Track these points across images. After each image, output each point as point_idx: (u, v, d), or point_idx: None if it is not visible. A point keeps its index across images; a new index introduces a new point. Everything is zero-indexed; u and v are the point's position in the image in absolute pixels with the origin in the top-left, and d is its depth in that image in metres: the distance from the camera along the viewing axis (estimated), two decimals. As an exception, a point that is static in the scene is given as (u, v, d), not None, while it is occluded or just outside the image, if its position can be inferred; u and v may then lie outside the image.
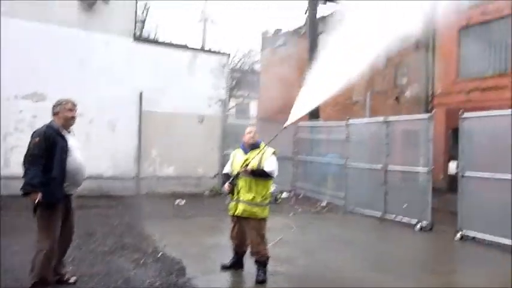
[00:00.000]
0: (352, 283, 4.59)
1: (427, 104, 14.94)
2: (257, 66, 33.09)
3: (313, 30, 13.65)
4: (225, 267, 4.69)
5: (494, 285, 4.82)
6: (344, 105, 20.50)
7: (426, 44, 14.82)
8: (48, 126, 3.97)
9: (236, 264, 4.71)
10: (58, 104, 4.09)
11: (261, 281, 4.35)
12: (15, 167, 9.14)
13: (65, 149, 3.93)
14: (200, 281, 4.28)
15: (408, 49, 16.75)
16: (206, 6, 23.92)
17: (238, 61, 31.95)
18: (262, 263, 4.43)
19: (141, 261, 4.82)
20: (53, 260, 3.88)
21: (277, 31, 27.31)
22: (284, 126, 4.87)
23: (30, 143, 3.88)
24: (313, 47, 13.62)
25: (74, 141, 4.09)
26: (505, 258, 5.97)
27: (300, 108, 5.21)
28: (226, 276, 4.59)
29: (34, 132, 3.95)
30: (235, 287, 4.51)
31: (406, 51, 16.90)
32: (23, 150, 9.36)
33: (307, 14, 13.90)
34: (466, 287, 4.80)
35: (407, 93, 17.02)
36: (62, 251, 4.03)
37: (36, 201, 3.75)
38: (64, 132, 4.01)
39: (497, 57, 13.95)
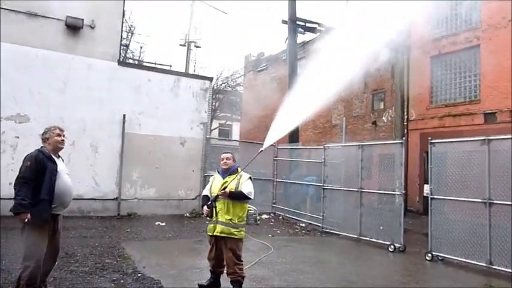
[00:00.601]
0: (324, 301, 4.82)
1: (402, 128, 15.51)
2: (240, 88, 33.61)
3: (292, 57, 14.17)
4: (202, 287, 4.86)
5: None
6: (324, 128, 21.09)
7: (400, 72, 15.50)
8: (39, 151, 4.19)
9: (213, 284, 4.88)
10: (47, 131, 4.34)
11: (236, 300, 4.54)
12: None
13: (54, 173, 4.15)
14: (177, 300, 4.45)
15: (384, 76, 17.52)
16: (190, 30, 24.29)
17: (222, 83, 32.37)
18: (237, 282, 4.63)
19: (121, 282, 4.95)
20: (38, 277, 4.01)
21: (260, 55, 28.02)
22: (260, 150, 5.18)
23: (22, 166, 4.08)
24: (292, 72, 14.12)
25: (63, 165, 4.32)
26: (470, 277, 6.31)
27: (275, 133, 5.54)
28: (204, 296, 4.76)
29: (26, 156, 4.16)
30: (212, 305, 4.67)
31: (382, 78, 17.68)
32: (5, 171, 9.44)
33: (287, 41, 14.43)
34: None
35: (384, 118, 17.67)
36: (47, 269, 4.17)
37: (26, 220, 3.91)
38: (54, 157, 4.21)
39: (468, 85, 14.72)
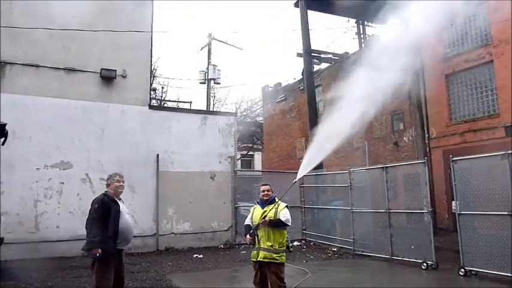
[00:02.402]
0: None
1: (424, 147, 15.71)
2: (259, 119, 34.38)
3: (310, 86, 14.80)
4: (250, 310, 5.28)
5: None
6: (345, 152, 21.37)
7: (417, 92, 15.86)
8: (104, 195, 4.87)
9: (260, 307, 5.29)
10: (109, 178, 5.03)
11: (282, 320, 4.94)
12: (45, 231, 9.97)
13: (117, 213, 4.78)
14: (229, 323, 4.88)
15: (402, 97, 17.90)
16: (209, 68, 25.39)
17: (241, 114, 33.22)
18: (283, 303, 5.04)
19: (175, 309, 5.43)
20: None
21: (277, 85, 28.80)
22: (294, 180, 5.68)
23: (91, 208, 4.74)
24: (311, 101, 14.72)
25: (124, 206, 4.94)
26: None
27: (307, 163, 6.05)
28: (253, 318, 5.18)
29: (94, 200, 4.81)
30: (261, 326, 5.06)
31: (400, 100, 18.05)
32: (52, 215, 10.22)
33: (304, 71, 15.12)
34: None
35: (405, 138, 17.94)
36: (116, 299, 4.71)
37: (97, 255, 4.51)
38: (116, 199, 4.83)
39: (485, 100, 14.98)
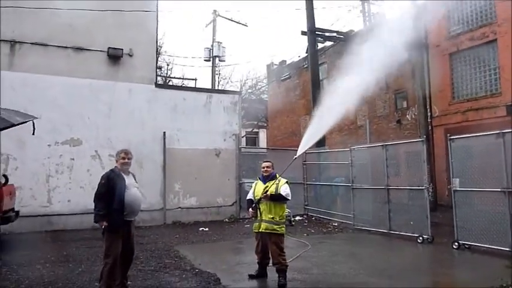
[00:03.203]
0: (355, 285, 5.55)
1: (426, 125, 15.90)
2: (264, 96, 34.49)
3: (314, 65, 14.91)
4: (252, 277, 5.72)
5: (483, 281, 5.63)
6: (349, 130, 21.61)
7: (421, 70, 15.94)
8: (111, 170, 5.16)
9: (261, 274, 5.73)
10: (117, 154, 5.31)
11: (282, 285, 5.37)
12: (57, 205, 10.43)
13: (123, 187, 5.05)
14: (233, 287, 5.29)
15: (405, 75, 17.97)
16: (214, 46, 25.43)
17: (246, 92, 33.31)
18: (282, 270, 5.45)
19: (183, 276, 5.86)
20: (116, 271, 4.92)
21: (282, 63, 28.80)
22: (294, 157, 5.99)
23: (98, 183, 5.03)
24: (315, 80, 14.83)
25: (132, 180, 5.23)
26: (494, 261, 6.84)
27: (307, 140, 6.33)
28: (254, 283, 5.62)
29: (102, 176, 5.10)
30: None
31: (403, 78, 18.13)
32: (63, 190, 10.65)
33: (308, 50, 15.20)
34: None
35: (408, 116, 18.11)
36: (125, 268, 5.11)
37: (103, 227, 4.86)
38: (124, 174, 5.14)
39: (488, 79, 15.06)
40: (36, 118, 3.64)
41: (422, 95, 15.70)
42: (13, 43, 10.63)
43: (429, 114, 16.37)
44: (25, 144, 10.19)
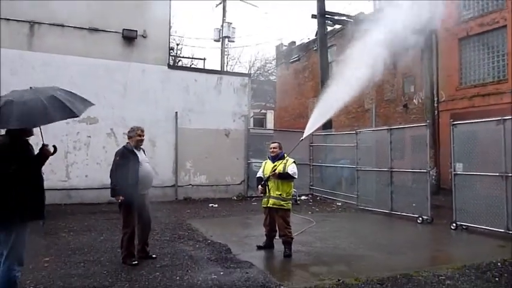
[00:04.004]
0: (354, 258, 6.01)
1: (433, 110, 16.10)
2: (272, 78, 34.63)
3: (323, 49, 15.12)
4: (260, 247, 6.24)
5: (475, 257, 6.03)
6: (356, 113, 21.87)
7: (430, 54, 16.04)
8: (124, 147, 5.57)
9: (268, 245, 6.24)
10: (131, 131, 5.66)
11: (287, 256, 5.88)
12: (75, 180, 10.98)
13: (136, 163, 5.44)
14: (243, 256, 5.79)
15: (414, 59, 18.07)
16: (223, 26, 25.52)
17: (254, 72, 33.45)
18: (288, 242, 5.95)
19: (197, 246, 6.39)
20: (134, 239, 5.42)
21: (291, 44, 28.84)
22: (301, 139, 6.38)
23: (113, 160, 5.45)
24: (323, 62, 15.06)
25: (143, 155, 5.65)
26: (488, 241, 7.25)
27: (313, 122, 6.69)
28: (262, 253, 6.12)
29: (116, 152, 5.52)
30: (269, 257, 6.02)
31: (412, 62, 18.23)
32: (81, 166, 11.17)
33: (317, 33, 15.38)
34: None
35: (415, 101, 18.31)
36: (145, 235, 5.62)
37: (120, 200, 5.32)
38: (136, 150, 5.55)
39: (496, 65, 15.18)
40: (93, 105, 3.96)
41: (429, 80, 15.84)
42: (32, 24, 11.02)
43: (436, 99, 16.55)
44: (45, 121, 10.66)
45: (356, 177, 11.51)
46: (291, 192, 6.07)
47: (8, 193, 3.46)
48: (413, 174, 10.05)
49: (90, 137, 11.37)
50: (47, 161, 3.75)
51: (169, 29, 13.28)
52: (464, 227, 8.30)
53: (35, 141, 3.84)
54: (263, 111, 35.96)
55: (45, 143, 3.68)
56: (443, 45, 16.65)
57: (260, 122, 36.65)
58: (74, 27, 11.47)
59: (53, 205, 10.07)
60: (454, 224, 8.42)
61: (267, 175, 5.99)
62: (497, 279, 4.95)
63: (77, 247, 6.24)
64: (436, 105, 16.54)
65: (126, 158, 5.41)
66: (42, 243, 6.28)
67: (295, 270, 5.37)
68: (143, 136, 5.70)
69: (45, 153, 3.67)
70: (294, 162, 6.09)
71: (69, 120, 10.93)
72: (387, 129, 10.80)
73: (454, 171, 8.80)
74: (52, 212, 9.16)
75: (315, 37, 16.38)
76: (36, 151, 3.75)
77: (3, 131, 3.83)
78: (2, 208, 3.48)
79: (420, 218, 9.14)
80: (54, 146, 3.76)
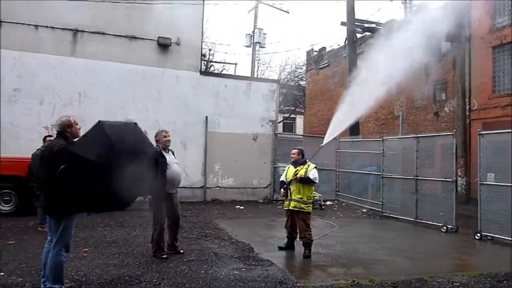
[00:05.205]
0: (372, 261, 6.20)
1: (464, 118, 15.85)
2: (303, 83, 34.77)
3: (352, 56, 15.26)
4: (281, 248, 6.56)
5: (494, 267, 6.08)
6: (386, 119, 21.76)
7: (461, 62, 15.83)
8: (154, 150, 5.94)
9: (289, 246, 6.55)
10: (157, 134, 6.08)
11: (306, 257, 6.17)
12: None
13: (164, 164, 5.81)
14: (264, 255, 6.14)
15: (445, 67, 17.87)
16: (255, 32, 26.03)
17: (285, 78, 33.72)
18: (307, 244, 6.25)
19: (221, 244, 6.78)
20: (163, 235, 5.85)
21: (322, 50, 28.97)
22: (321, 145, 6.67)
23: None
24: (352, 70, 15.18)
25: (171, 157, 6.06)
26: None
27: (334, 129, 6.93)
28: (283, 253, 6.44)
29: None
30: (289, 257, 6.32)
31: (444, 69, 18.03)
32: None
33: (346, 40, 15.55)
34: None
35: (446, 109, 18.05)
36: (174, 232, 6.07)
37: (147, 199, 5.78)
38: (165, 152, 5.96)
39: (531, 74, 14.82)
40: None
41: (462, 88, 15.61)
42: (75, 32, 11.82)
43: (468, 107, 16.29)
44: (85, 123, 11.26)
45: (381, 185, 11.58)
46: (312, 196, 6.37)
47: (59, 189, 3.94)
48: (439, 183, 10.05)
49: (126, 139, 11.99)
50: None
51: (202, 37, 13.83)
52: (489, 237, 8.21)
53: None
54: (292, 115, 36.13)
55: None
56: (476, 53, 16.40)
57: (289, 127, 36.84)
58: (113, 35, 12.20)
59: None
60: (479, 234, 8.36)
61: (289, 179, 6.31)
62: (513, 288, 5.04)
63: (112, 240, 6.78)
64: (467, 113, 16.28)
65: (155, 160, 5.67)
66: (81, 236, 6.86)
67: (313, 270, 5.66)
68: (169, 136, 6.08)
69: None
70: (316, 167, 6.38)
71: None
72: (414, 137, 10.85)
73: (480, 181, 8.78)
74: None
75: (344, 44, 16.48)
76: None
77: (54, 134, 4.33)
78: (55, 201, 3.97)
79: (445, 227, 9.12)
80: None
